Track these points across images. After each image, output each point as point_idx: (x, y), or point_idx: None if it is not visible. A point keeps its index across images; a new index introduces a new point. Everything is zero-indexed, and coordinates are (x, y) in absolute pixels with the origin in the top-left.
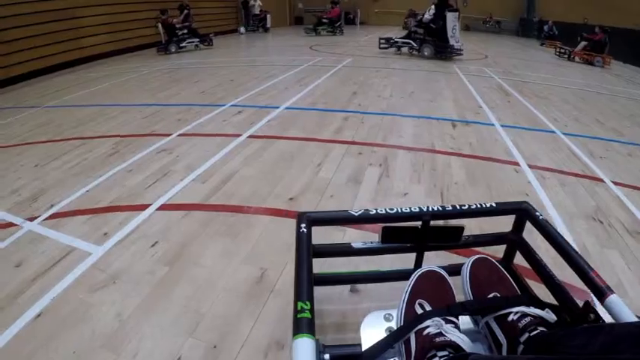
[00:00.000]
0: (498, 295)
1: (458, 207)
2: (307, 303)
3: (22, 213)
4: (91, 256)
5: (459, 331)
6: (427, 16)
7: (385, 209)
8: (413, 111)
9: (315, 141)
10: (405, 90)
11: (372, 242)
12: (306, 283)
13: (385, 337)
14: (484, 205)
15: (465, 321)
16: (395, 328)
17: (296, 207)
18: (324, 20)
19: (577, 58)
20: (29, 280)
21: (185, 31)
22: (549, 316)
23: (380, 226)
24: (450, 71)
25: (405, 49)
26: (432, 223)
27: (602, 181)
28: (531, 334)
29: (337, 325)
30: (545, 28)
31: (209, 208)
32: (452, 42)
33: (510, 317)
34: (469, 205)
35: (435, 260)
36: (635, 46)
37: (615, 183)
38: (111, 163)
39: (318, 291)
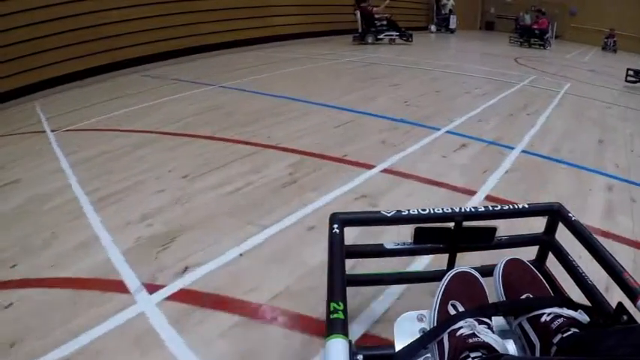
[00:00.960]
0: (531, 296)
1: (490, 208)
2: (340, 304)
3: (144, 269)
4: None
5: (492, 332)
6: None
7: (417, 210)
8: None
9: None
10: None
11: (404, 243)
12: (339, 283)
13: (418, 338)
14: (517, 207)
15: (498, 322)
16: (428, 328)
17: None
18: (536, 31)
19: None
20: None
21: (384, 22)
22: (582, 317)
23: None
24: None
25: None
26: (465, 224)
27: None
28: (564, 336)
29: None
30: None
31: None
32: None
33: (543, 318)
34: (502, 206)
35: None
36: None
37: None
38: (283, 200)
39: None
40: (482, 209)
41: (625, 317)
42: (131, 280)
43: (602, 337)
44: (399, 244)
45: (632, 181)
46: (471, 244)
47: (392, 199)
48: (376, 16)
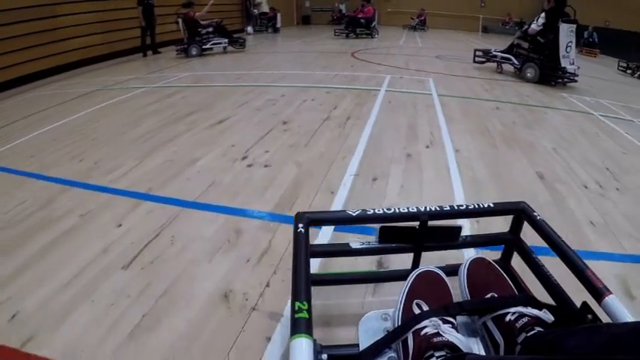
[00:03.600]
0: (496, 295)
1: (455, 207)
2: (305, 303)
3: None
4: None
5: (456, 331)
6: (534, 27)
7: (383, 209)
8: None
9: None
10: (592, 163)
11: (369, 242)
12: (303, 283)
13: (383, 337)
14: (482, 206)
15: (462, 321)
16: (392, 328)
17: None
18: (361, 21)
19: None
20: None
21: (210, 29)
22: (547, 316)
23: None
24: (580, 108)
25: (509, 67)
26: (430, 223)
27: None
28: (529, 335)
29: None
30: (585, 34)
31: None
32: (564, 63)
33: (508, 317)
34: (467, 206)
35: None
36: (613, 40)
37: None
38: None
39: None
40: (448, 208)
41: (590, 316)
42: None
43: (566, 336)
44: (364, 244)
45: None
46: (436, 243)
47: None
48: (201, 22)
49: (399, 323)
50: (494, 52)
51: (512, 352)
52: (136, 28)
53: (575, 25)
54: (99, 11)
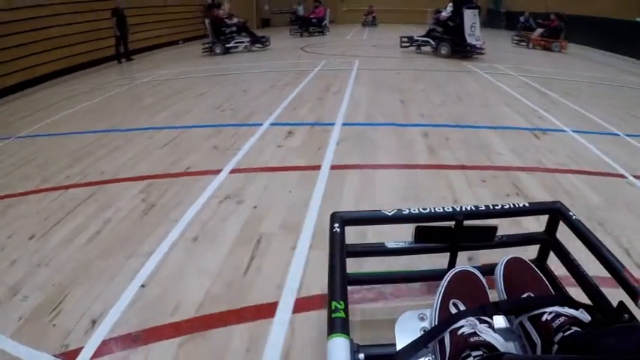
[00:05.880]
0: (532, 295)
1: (491, 207)
2: (341, 303)
3: (48, 343)
4: None
5: (493, 331)
6: (444, 14)
7: (418, 209)
8: (480, 120)
9: (419, 168)
10: (448, 94)
11: (405, 242)
12: (340, 282)
13: (419, 337)
14: (517, 205)
15: (499, 321)
16: (429, 327)
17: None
18: (313, 20)
19: (531, 44)
20: None
21: (234, 28)
22: (583, 316)
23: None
24: (469, 70)
25: (427, 48)
26: (466, 223)
27: None
28: (565, 334)
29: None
30: (522, 19)
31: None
32: (471, 40)
33: (544, 317)
34: (502, 205)
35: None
36: (589, 30)
37: None
38: (152, 225)
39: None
40: (483, 208)
41: (626, 316)
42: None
43: (603, 335)
44: (400, 244)
45: (439, 125)
46: (471, 243)
47: (253, 193)
48: (227, 22)
49: (436, 323)
50: (416, 38)
51: (549, 351)
52: (111, 38)
53: (477, 10)
54: (80, 23)
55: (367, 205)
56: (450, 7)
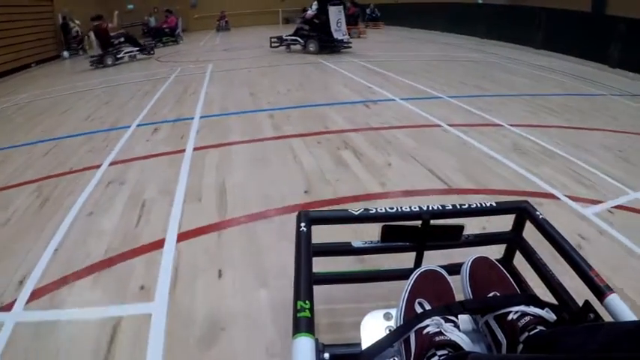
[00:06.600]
0: (498, 294)
1: (458, 206)
2: (307, 302)
3: None
4: None
5: (458, 330)
6: (310, 12)
7: (385, 208)
8: (319, 99)
9: (266, 140)
10: (292, 83)
11: (371, 241)
12: (305, 282)
13: (385, 336)
14: (484, 205)
15: (464, 320)
16: (395, 327)
17: (315, 196)
18: (166, 30)
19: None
20: None
21: (122, 39)
22: (549, 315)
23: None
24: (314, 62)
25: (297, 47)
26: (432, 222)
27: (502, 125)
28: (531, 334)
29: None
30: (368, 11)
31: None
32: (337, 35)
33: (510, 316)
34: (469, 205)
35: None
36: (440, 14)
37: (511, 125)
38: (53, 212)
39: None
40: (450, 207)
41: (592, 315)
42: None
43: (568, 334)
44: (366, 243)
45: (283, 107)
46: (438, 242)
47: (132, 176)
48: (112, 33)
49: (402, 322)
50: (284, 37)
51: (514, 350)
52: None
53: (342, 6)
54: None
55: (226, 171)
56: (315, 5)
